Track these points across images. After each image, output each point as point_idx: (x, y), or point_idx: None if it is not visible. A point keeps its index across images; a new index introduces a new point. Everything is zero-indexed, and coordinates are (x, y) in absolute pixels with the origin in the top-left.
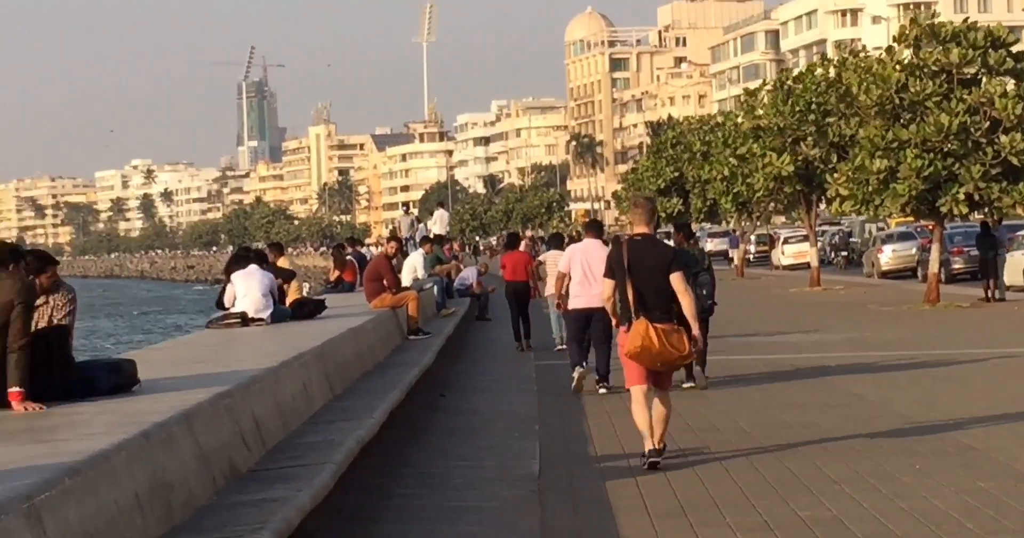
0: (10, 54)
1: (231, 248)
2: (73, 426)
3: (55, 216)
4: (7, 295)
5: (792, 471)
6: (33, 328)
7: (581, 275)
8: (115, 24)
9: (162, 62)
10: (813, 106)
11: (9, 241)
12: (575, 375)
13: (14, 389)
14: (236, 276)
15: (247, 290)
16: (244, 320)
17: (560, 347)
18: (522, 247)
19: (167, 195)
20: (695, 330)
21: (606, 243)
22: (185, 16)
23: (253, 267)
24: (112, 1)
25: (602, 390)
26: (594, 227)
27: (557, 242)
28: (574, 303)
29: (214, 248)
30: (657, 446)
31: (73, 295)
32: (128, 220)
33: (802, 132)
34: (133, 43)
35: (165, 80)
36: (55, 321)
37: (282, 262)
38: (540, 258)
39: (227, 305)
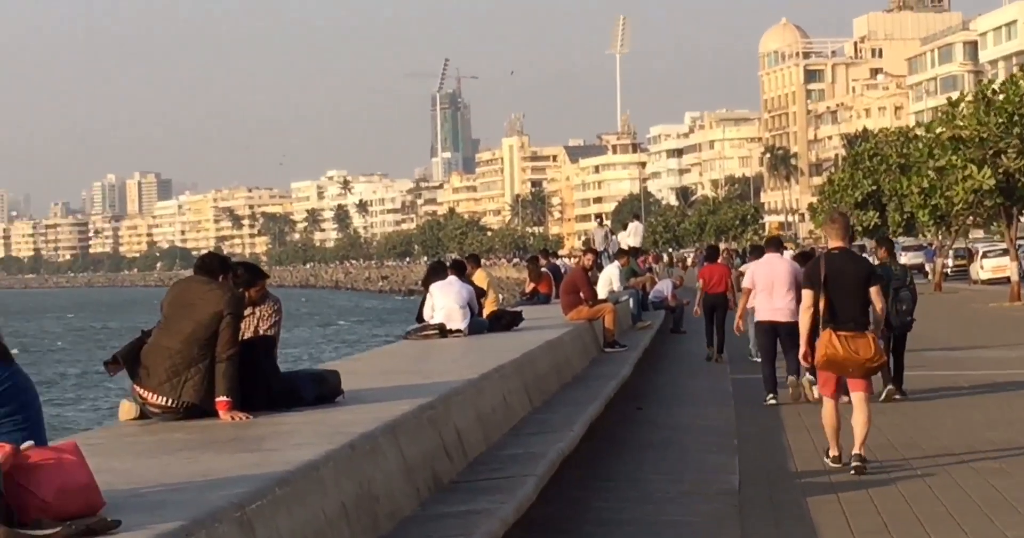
0: (210, 68)
1: (425, 259)
2: (280, 436)
3: (252, 226)
4: (216, 306)
5: (997, 490)
6: (240, 338)
7: (766, 289)
8: (312, 38)
9: (358, 74)
10: (1016, 118)
11: (217, 251)
12: (769, 398)
13: (222, 398)
14: (435, 287)
15: (445, 301)
16: (442, 331)
17: (755, 359)
18: (720, 259)
19: (362, 206)
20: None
21: (802, 257)
22: (381, 29)
23: (451, 278)
24: (309, 15)
25: (772, 400)
26: (774, 243)
27: (757, 253)
28: (760, 316)
29: (407, 259)
30: (860, 451)
31: (279, 306)
32: (323, 230)
33: (1004, 144)
34: (330, 56)
35: (361, 92)
36: (261, 332)
37: (479, 274)
38: (740, 269)
39: (425, 316)
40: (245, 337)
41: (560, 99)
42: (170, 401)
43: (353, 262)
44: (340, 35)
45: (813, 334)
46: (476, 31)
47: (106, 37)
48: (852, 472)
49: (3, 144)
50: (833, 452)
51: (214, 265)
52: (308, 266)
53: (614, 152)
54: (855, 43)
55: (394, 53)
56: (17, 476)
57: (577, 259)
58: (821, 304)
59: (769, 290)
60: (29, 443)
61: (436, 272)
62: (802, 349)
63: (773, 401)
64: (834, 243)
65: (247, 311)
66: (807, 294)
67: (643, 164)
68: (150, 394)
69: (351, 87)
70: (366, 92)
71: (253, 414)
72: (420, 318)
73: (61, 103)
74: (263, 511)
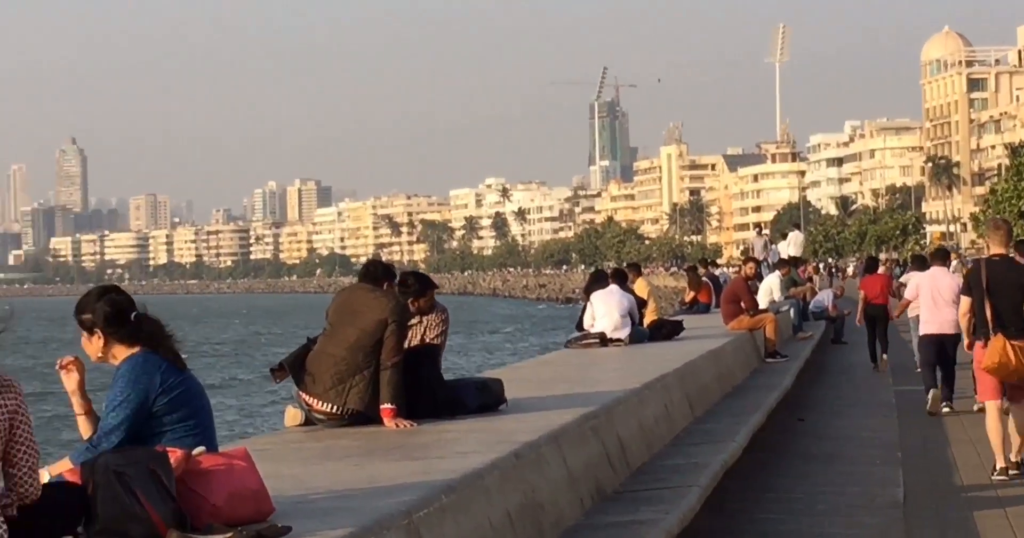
0: (371, 76)
1: (582, 267)
2: (445, 444)
3: (410, 233)
4: (382, 313)
5: None
6: (407, 346)
7: (930, 302)
8: (473, 47)
9: (517, 82)
10: None
11: (381, 259)
12: (929, 398)
13: (386, 406)
14: (595, 296)
15: (606, 310)
16: (603, 340)
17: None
18: (881, 270)
19: (520, 214)
20: None
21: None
22: (540, 36)
23: (613, 287)
24: (469, 24)
25: (945, 409)
26: (940, 255)
27: (919, 264)
28: (925, 329)
29: (565, 267)
30: (1016, 459)
31: (447, 316)
32: (481, 238)
33: None
34: (490, 65)
35: (520, 100)
36: (427, 340)
37: (640, 283)
38: (902, 280)
39: (585, 325)
40: (412, 345)
41: (719, 108)
42: (335, 408)
43: (511, 270)
44: (500, 43)
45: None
46: (635, 40)
47: (269, 46)
48: (1000, 477)
49: (167, 151)
50: (1000, 464)
51: (378, 273)
52: (466, 274)
53: (773, 161)
54: (1019, 51)
55: (553, 61)
56: (189, 481)
57: (737, 268)
58: (987, 311)
59: (934, 303)
60: (201, 449)
61: (597, 281)
62: (966, 341)
63: (947, 409)
64: (995, 250)
65: (414, 320)
66: (965, 301)
67: (802, 173)
68: (315, 401)
69: (510, 95)
70: (525, 100)
71: (417, 422)
72: (580, 326)
73: (224, 111)
74: (430, 519)
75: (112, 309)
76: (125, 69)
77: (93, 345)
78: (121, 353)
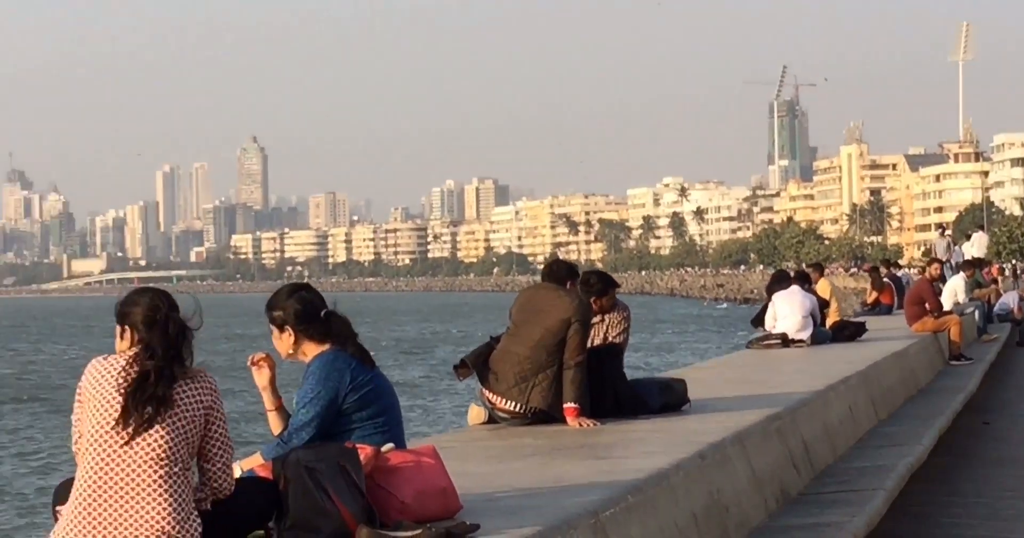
0: (547, 74)
1: (760, 268)
2: (628, 443)
3: (588, 232)
4: (565, 312)
5: None
6: (589, 345)
7: None
8: (651, 44)
9: (695, 81)
10: None
11: (563, 259)
12: None
13: (570, 405)
14: (777, 296)
15: (789, 311)
16: (784, 341)
17: None
18: None
19: (698, 213)
20: None
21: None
22: (720, 36)
23: (795, 288)
24: (645, 23)
25: None
26: None
27: None
28: None
29: (743, 267)
30: None
31: (628, 314)
32: (658, 238)
33: None
34: (666, 63)
35: (698, 99)
36: (610, 339)
37: (822, 283)
38: None
39: (767, 326)
40: (593, 344)
41: (900, 107)
42: (518, 406)
43: (688, 269)
44: (678, 42)
45: None
46: (814, 38)
47: (445, 45)
48: None
49: (346, 150)
50: None
51: (562, 272)
52: (643, 273)
53: (955, 161)
54: None
55: (732, 60)
56: (378, 478)
57: (919, 269)
58: None
59: None
60: (389, 445)
61: (779, 281)
62: None
63: None
64: None
65: (596, 318)
66: None
67: (986, 173)
68: (499, 399)
69: (689, 94)
70: (704, 99)
71: (600, 421)
72: (755, 323)
73: (401, 109)
74: (616, 518)
75: (303, 306)
76: (305, 67)
77: (283, 342)
78: (311, 350)
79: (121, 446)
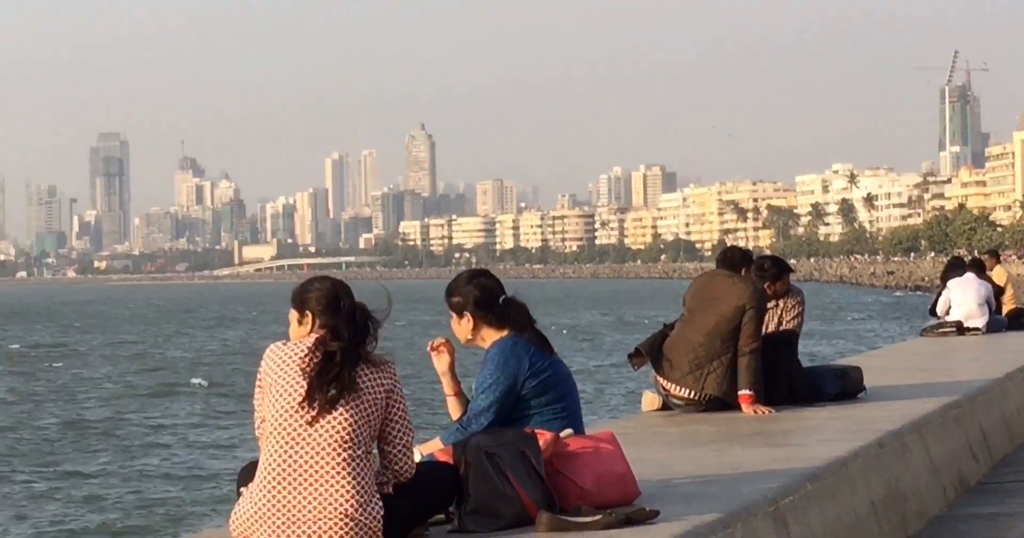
0: (716, 60)
1: (931, 255)
2: (805, 431)
3: (755, 219)
4: (740, 299)
5: None
6: (764, 332)
7: None
8: (820, 33)
9: (865, 68)
10: None
11: (735, 245)
12: None
13: (745, 392)
14: (952, 284)
15: (963, 299)
16: (959, 329)
17: None
18: None
19: (868, 200)
20: None
21: None
22: (891, 21)
23: (970, 275)
24: (825, 6)
25: None
26: None
27: None
28: None
29: (913, 254)
30: None
31: (801, 298)
32: (827, 224)
33: None
34: (838, 50)
35: (868, 86)
36: (784, 325)
37: (998, 270)
38: None
39: (939, 313)
40: (768, 331)
41: None
42: (693, 393)
43: (858, 257)
44: (848, 28)
45: None
46: (986, 23)
47: (610, 31)
48: None
49: (513, 137)
50: None
51: (736, 259)
52: (812, 260)
53: None
54: None
55: (902, 46)
56: (557, 463)
57: None
58: None
59: None
60: (568, 431)
61: (954, 268)
62: None
63: None
64: None
65: (771, 304)
66: None
67: None
68: (673, 386)
69: (858, 80)
70: (873, 86)
71: (775, 408)
72: (934, 313)
73: (569, 96)
74: (795, 506)
75: (482, 292)
76: (472, 55)
77: (462, 328)
78: (490, 336)
79: (305, 428)
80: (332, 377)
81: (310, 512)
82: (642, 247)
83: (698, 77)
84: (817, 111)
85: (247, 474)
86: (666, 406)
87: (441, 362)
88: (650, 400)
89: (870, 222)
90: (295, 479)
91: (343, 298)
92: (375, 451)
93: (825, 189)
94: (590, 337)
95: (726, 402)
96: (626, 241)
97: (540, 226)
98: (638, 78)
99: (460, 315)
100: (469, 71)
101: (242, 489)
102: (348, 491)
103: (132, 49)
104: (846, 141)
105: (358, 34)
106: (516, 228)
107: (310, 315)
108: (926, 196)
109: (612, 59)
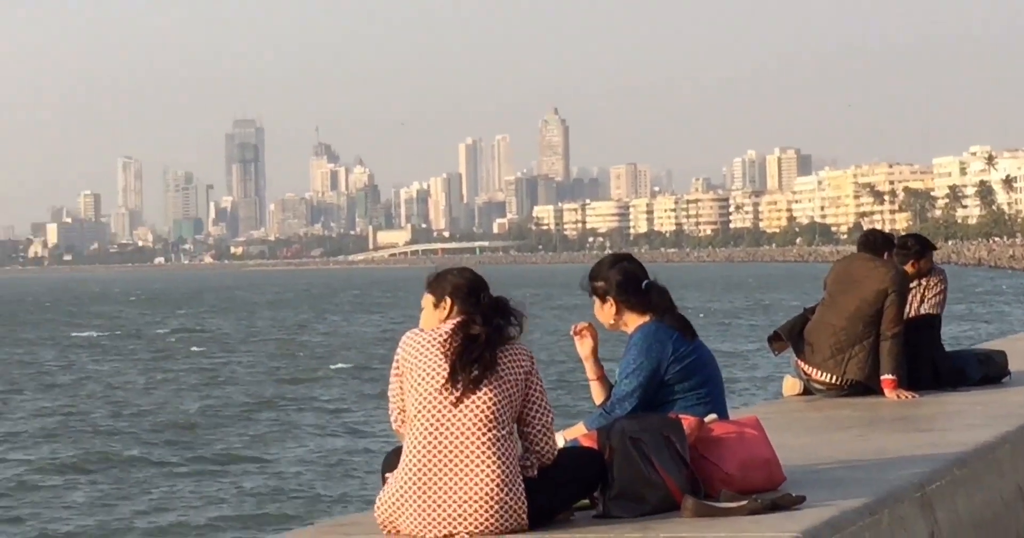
0: (843, 41)
1: None
2: (949, 416)
3: (892, 202)
4: (882, 283)
5: None
6: (906, 315)
7: None
8: (951, 9)
9: (1002, 48)
10: None
11: (878, 229)
12: None
13: (887, 376)
14: None
15: None
16: None
17: None
18: None
19: (1007, 182)
20: None
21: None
22: None
23: None
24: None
25: None
26: None
27: None
28: None
29: None
30: None
31: (944, 278)
32: (965, 207)
33: None
34: (972, 29)
35: (1005, 66)
36: (926, 307)
37: None
38: None
39: None
40: (911, 309)
41: None
42: (834, 378)
43: (996, 239)
44: (986, 7)
45: None
46: None
47: (744, 12)
48: None
49: (647, 120)
50: None
51: (878, 242)
52: (950, 243)
53: None
54: None
55: None
56: (702, 448)
57: None
58: None
59: None
60: (712, 416)
61: None
62: None
63: None
64: None
65: (913, 283)
66: None
67: None
68: (814, 370)
69: (997, 59)
70: (1010, 67)
71: (918, 393)
72: None
73: (702, 79)
74: (942, 491)
75: (624, 277)
76: (607, 39)
77: (605, 312)
78: (632, 321)
79: (450, 409)
80: (475, 358)
81: (455, 494)
82: (777, 231)
83: (834, 63)
84: (952, 93)
85: (392, 460)
86: (807, 391)
87: (584, 346)
88: (791, 385)
89: (1009, 204)
90: (440, 461)
91: (483, 286)
92: (517, 435)
93: (963, 171)
94: (728, 320)
95: (868, 387)
96: (761, 225)
97: (674, 210)
98: (774, 64)
99: (603, 300)
100: (602, 55)
101: (387, 475)
102: (494, 471)
103: (267, 35)
104: (983, 123)
105: (491, 21)
106: (650, 212)
107: (448, 300)
108: None
109: (747, 48)
